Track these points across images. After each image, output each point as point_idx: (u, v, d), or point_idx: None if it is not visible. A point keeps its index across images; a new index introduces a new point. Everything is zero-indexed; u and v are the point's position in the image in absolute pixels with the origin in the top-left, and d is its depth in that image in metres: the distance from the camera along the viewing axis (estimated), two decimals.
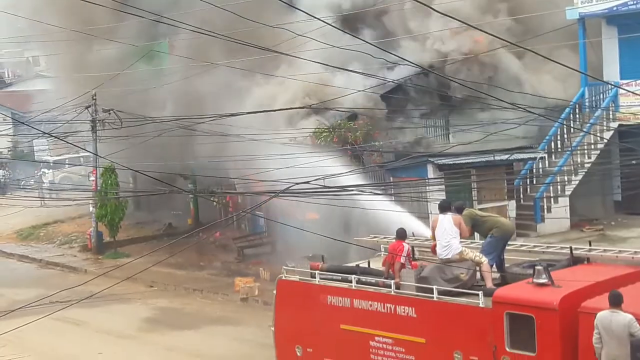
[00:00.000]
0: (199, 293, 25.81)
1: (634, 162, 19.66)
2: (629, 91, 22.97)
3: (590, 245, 14.25)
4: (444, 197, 18.84)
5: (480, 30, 9.16)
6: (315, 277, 14.80)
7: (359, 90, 22.60)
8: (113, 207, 31.61)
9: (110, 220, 31.79)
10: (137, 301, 25.31)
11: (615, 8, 26.74)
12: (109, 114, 27.04)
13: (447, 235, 13.48)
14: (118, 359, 20.37)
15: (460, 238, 13.72)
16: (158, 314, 24.09)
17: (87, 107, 29.68)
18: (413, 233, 15.80)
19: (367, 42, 12.28)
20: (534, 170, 27.10)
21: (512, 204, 25.42)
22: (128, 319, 23.39)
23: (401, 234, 14.40)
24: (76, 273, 30.12)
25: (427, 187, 21.71)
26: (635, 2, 26.35)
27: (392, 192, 21.05)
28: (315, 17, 11.27)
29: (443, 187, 22.18)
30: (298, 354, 14.97)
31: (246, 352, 19.40)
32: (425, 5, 9.32)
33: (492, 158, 23.69)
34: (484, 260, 13.35)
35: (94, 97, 29.81)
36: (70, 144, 27.00)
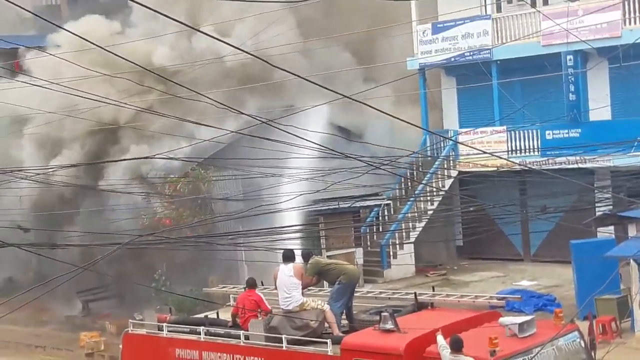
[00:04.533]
0: (42, 350, 24.79)
1: (471, 208, 20.38)
2: (461, 143, 23.84)
3: (433, 290, 14.69)
4: (294, 245, 18.91)
5: (321, 86, 9.19)
6: (163, 330, 14.55)
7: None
8: None
9: None
10: None
11: (453, 59, 27.82)
12: None
13: (289, 286, 13.46)
14: None
15: (303, 289, 13.73)
16: None
17: None
18: (262, 282, 15.79)
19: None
20: (380, 217, 27.68)
21: (359, 251, 25.85)
22: None
23: (251, 283, 14.37)
24: None
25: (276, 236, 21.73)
26: (471, 54, 27.52)
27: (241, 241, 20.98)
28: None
29: (292, 235, 22.26)
30: None
31: None
32: (257, 57, 9.32)
33: (338, 205, 24.03)
34: (327, 307, 13.46)
35: None
36: None
